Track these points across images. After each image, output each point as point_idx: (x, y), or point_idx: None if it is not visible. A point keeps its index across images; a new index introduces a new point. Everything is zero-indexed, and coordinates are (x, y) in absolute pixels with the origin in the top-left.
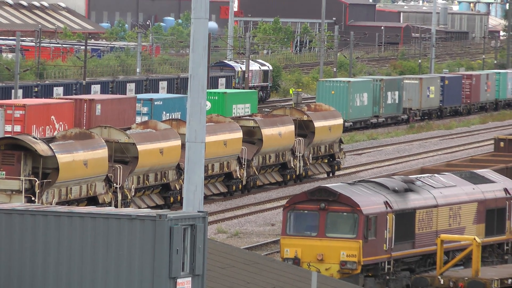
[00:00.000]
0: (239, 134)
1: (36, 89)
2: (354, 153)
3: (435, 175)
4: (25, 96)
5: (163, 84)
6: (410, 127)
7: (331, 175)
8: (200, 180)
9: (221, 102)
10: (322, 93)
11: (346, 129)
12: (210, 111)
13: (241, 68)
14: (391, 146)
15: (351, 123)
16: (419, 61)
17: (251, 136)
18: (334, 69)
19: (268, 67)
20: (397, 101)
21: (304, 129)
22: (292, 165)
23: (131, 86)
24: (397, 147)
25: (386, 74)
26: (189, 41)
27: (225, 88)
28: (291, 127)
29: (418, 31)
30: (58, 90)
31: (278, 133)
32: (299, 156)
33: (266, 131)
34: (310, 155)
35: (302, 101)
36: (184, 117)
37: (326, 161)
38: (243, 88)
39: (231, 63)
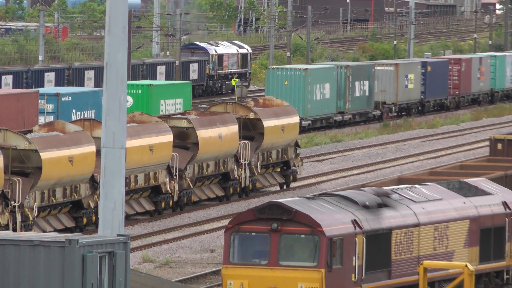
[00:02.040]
0: (169, 137)
1: None
2: (314, 160)
3: (416, 186)
4: None
5: (49, 77)
6: (384, 125)
7: (285, 187)
8: (120, 196)
9: (146, 96)
10: (272, 84)
11: (303, 130)
12: (132, 108)
13: (215, 51)
14: (360, 150)
15: (310, 122)
16: (395, 42)
17: (184, 140)
18: (288, 53)
19: (247, 49)
20: (367, 93)
21: (251, 129)
22: (236, 176)
23: (7, 80)
24: (368, 151)
25: (353, 59)
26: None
27: (197, 76)
28: (234, 128)
29: (393, 5)
30: None
31: (218, 135)
32: (245, 164)
33: (203, 133)
34: (259, 162)
35: (248, 95)
36: (99, 116)
37: (278, 170)
38: (212, 76)
39: (204, 45)
